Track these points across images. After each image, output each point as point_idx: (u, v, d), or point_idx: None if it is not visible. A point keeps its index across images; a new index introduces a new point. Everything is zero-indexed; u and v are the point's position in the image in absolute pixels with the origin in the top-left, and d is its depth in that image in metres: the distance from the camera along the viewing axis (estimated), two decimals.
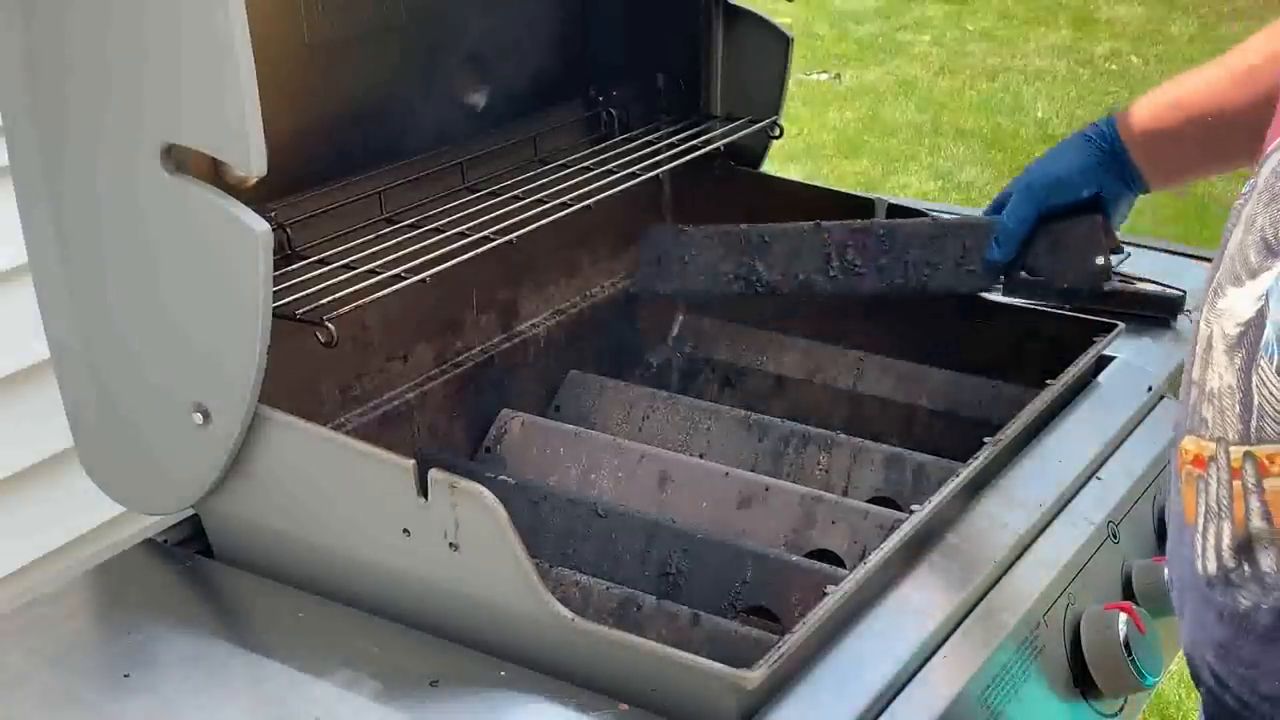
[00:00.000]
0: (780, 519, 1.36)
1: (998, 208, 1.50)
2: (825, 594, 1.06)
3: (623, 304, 1.76)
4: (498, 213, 1.41)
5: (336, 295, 1.23)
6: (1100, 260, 1.46)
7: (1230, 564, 0.91)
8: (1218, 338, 0.93)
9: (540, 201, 1.45)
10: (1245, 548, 0.90)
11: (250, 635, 1.12)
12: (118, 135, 1.05)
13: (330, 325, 1.19)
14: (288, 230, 1.31)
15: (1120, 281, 1.68)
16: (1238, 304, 0.92)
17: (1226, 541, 0.91)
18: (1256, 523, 0.89)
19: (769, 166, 1.77)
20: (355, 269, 1.28)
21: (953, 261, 1.49)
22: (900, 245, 1.51)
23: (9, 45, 1.07)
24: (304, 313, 1.19)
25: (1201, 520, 0.93)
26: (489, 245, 1.36)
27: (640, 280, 1.61)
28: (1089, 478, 1.32)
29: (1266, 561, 0.89)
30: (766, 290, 1.54)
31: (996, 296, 1.63)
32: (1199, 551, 0.93)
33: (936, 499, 1.19)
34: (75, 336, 1.14)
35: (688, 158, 1.58)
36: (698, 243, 1.56)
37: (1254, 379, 0.90)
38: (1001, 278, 1.49)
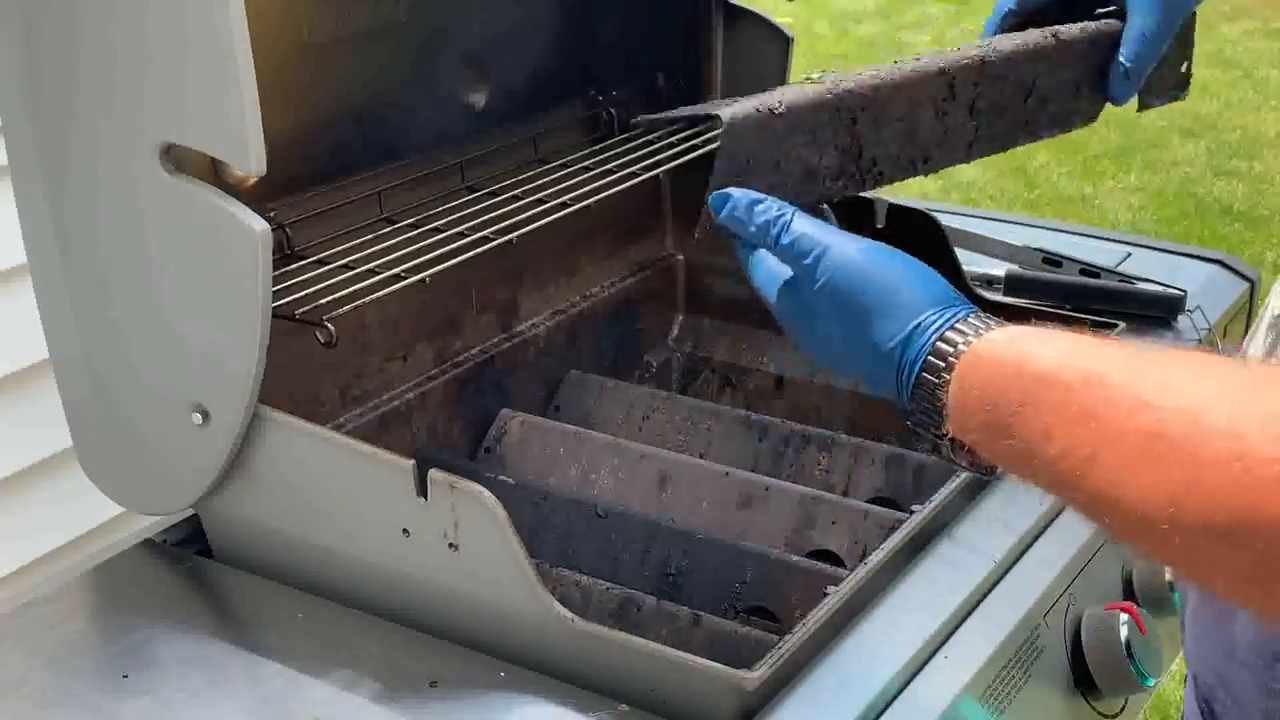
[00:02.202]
0: (780, 519, 1.36)
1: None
2: (825, 594, 1.06)
3: (623, 304, 1.76)
4: (497, 213, 1.41)
5: (336, 295, 1.23)
6: (1186, 67, 1.27)
7: None
8: (1268, 314, 0.93)
9: (540, 201, 1.45)
10: None
11: (250, 635, 1.12)
12: (117, 135, 1.05)
13: (330, 325, 1.19)
14: (287, 230, 1.31)
15: (1120, 281, 1.68)
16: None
17: None
18: None
19: None
20: (355, 269, 1.28)
21: (1071, 87, 1.20)
22: (1025, 83, 1.17)
23: (8, 46, 1.07)
24: (304, 313, 1.19)
25: None
26: (489, 245, 1.36)
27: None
28: None
29: None
30: (881, 180, 1.13)
31: (997, 296, 1.63)
32: None
33: (937, 499, 1.19)
34: (74, 336, 1.14)
35: (688, 157, 1.58)
36: (786, 136, 1.04)
37: (1276, 356, 0.89)
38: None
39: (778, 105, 0.99)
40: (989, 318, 0.82)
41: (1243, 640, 0.90)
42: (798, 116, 1.01)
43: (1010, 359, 0.76)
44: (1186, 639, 0.98)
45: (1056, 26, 1.21)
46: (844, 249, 0.87)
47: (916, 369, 0.81)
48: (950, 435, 0.80)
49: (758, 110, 0.99)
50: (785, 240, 0.89)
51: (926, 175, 1.13)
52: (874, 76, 1.08)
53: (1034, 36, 1.19)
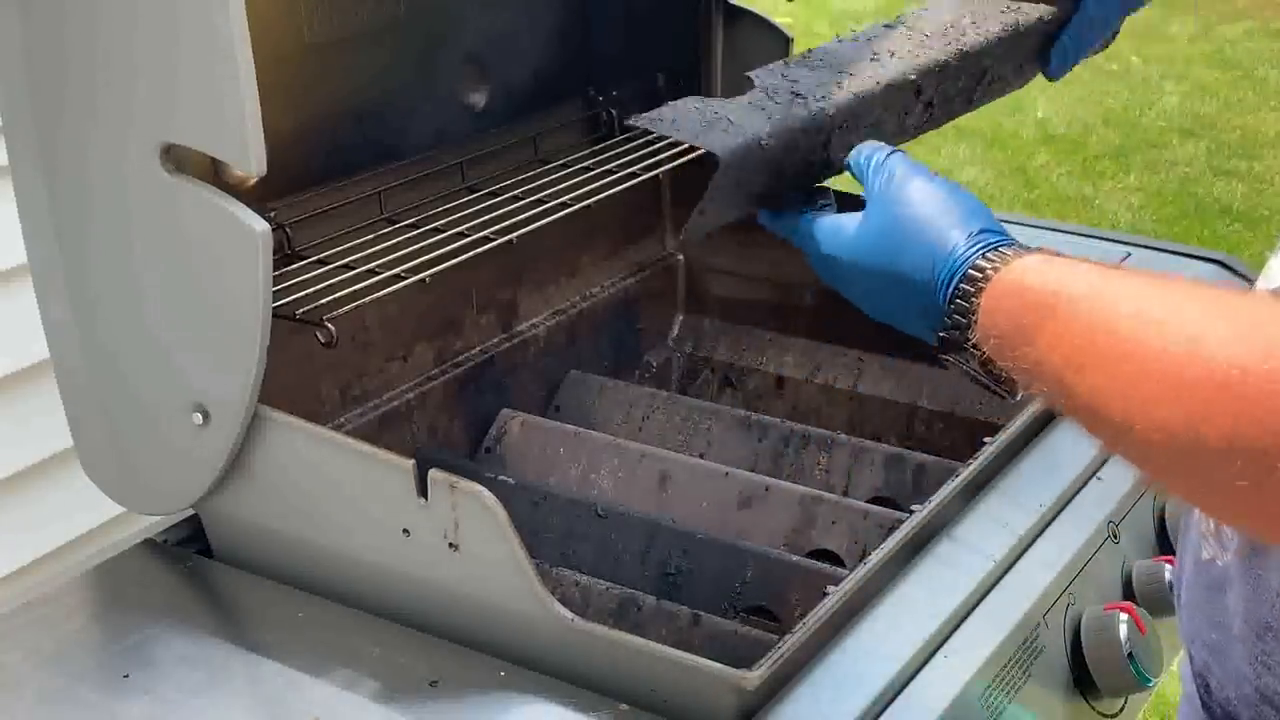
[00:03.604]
0: (780, 519, 1.36)
1: None
2: (825, 594, 1.06)
3: (623, 304, 1.77)
4: (498, 213, 1.41)
5: (336, 295, 1.23)
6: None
7: (1201, 514, 0.95)
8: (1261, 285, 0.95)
9: (540, 201, 1.45)
10: None
11: (250, 635, 1.12)
12: (117, 135, 1.05)
13: (330, 325, 1.19)
14: (288, 230, 1.31)
15: None
16: (1276, 264, 0.93)
17: None
18: None
19: None
20: (355, 269, 1.28)
21: (1015, 67, 1.27)
22: (978, 73, 1.24)
23: (8, 46, 1.07)
24: (304, 313, 1.19)
25: None
26: (489, 245, 1.36)
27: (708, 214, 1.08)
28: (1089, 478, 1.32)
29: None
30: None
31: None
32: None
33: (936, 499, 1.19)
34: (74, 336, 1.14)
35: (688, 157, 1.58)
36: (769, 162, 1.08)
37: None
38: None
39: (765, 138, 1.06)
40: (1032, 249, 0.90)
41: (1234, 613, 0.91)
42: (781, 143, 1.08)
43: (1035, 275, 0.85)
44: (1181, 616, 0.99)
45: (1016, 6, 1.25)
46: (921, 174, 1.00)
47: (959, 275, 0.91)
48: (974, 342, 0.89)
49: (746, 143, 1.05)
50: (884, 162, 1.02)
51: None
52: (852, 88, 1.13)
53: (994, 25, 1.21)
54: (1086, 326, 0.77)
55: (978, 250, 0.91)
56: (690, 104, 1.08)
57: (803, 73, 1.12)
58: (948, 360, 0.93)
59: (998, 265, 0.88)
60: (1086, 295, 0.79)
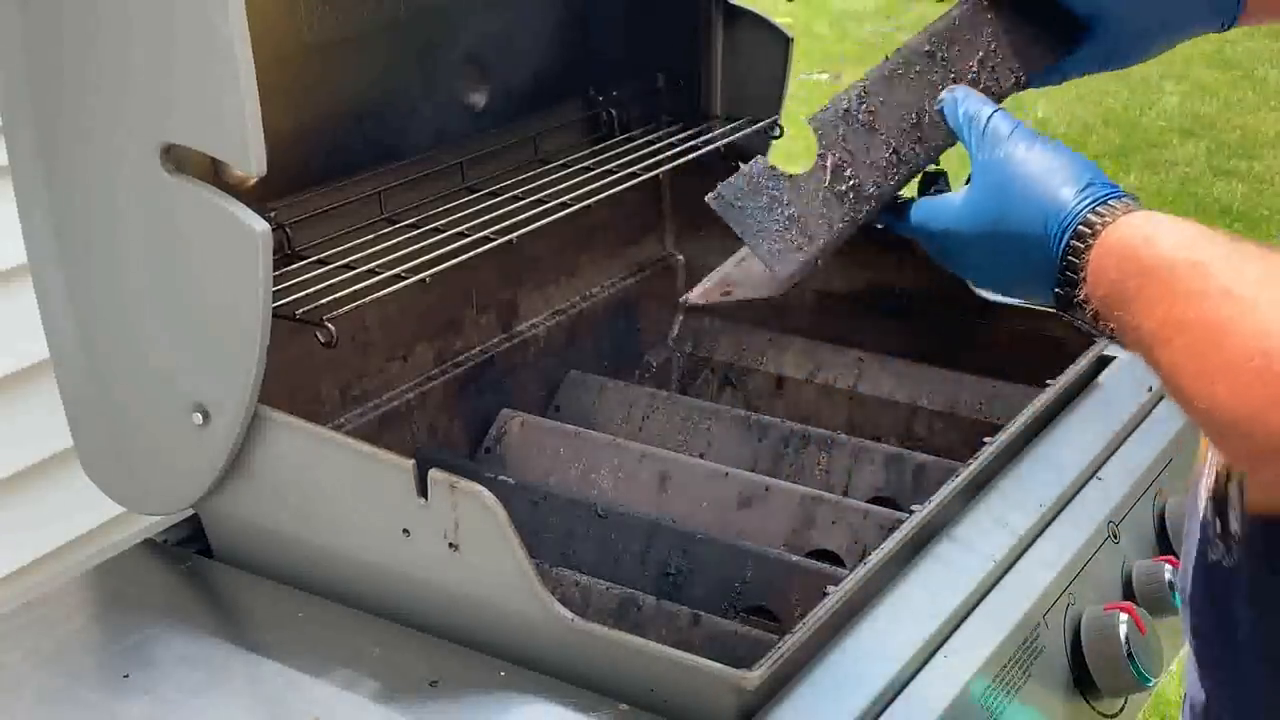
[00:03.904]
0: (780, 519, 1.36)
1: None
2: (825, 594, 1.06)
3: (622, 304, 1.77)
4: (498, 213, 1.41)
5: (336, 295, 1.23)
6: None
7: (1209, 515, 0.95)
8: None
9: (540, 201, 1.45)
10: (1220, 503, 0.93)
11: (250, 635, 1.12)
12: (117, 135, 1.05)
13: (330, 325, 1.19)
14: (288, 230, 1.31)
15: None
16: None
17: (1211, 489, 0.95)
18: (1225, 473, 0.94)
19: None
20: (355, 269, 1.28)
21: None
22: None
23: (8, 45, 1.07)
24: (304, 313, 1.19)
25: (1205, 465, 0.96)
26: (489, 245, 1.36)
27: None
28: (1089, 478, 1.32)
29: (1233, 521, 0.92)
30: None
31: (996, 296, 1.63)
32: (1201, 497, 0.96)
33: (936, 499, 1.19)
34: (75, 336, 1.14)
35: (688, 158, 1.58)
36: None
37: None
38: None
39: (824, 254, 1.07)
40: (1139, 205, 0.91)
41: (1243, 619, 0.91)
42: (831, 249, 1.08)
43: (1140, 237, 0.85)
44: (1185, 618, 0.99)
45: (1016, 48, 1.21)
46: (1024, 133, 0.99)
47: (1070, 231, 0.90)
48: (1084, 297, 0.89)
49: (805, 264, 1.06)
50: (986, 125, 1.01)
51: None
52: (903, 172, 1.10)
53: (1009, 80, 1.18)
54: (1183, 295, 0.78)
55: (1088, 204, 0.90)
56: (762, 179, 1.09)
57: (862, 142, 1.10)
58: (1065, 316, 0.94)
59: (1107, 220, 0.89)
60: (1185, 263, 0.79)
